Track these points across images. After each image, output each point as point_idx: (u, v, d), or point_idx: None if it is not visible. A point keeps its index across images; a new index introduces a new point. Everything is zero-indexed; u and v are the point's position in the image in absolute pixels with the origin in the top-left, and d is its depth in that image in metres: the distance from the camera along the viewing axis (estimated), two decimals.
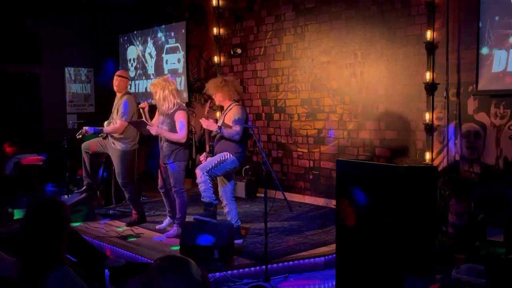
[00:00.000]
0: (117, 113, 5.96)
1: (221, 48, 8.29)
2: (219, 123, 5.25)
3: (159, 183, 5.77)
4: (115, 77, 6.09)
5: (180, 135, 5.33)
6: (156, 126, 5.42)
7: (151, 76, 9.63)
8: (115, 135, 6.01)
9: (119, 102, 6.01)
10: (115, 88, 6.10)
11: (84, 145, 6.30)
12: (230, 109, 5.24)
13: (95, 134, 6.23)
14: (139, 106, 5.71)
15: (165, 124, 5.42)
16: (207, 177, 5.04)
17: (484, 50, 5.19)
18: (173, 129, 5.37)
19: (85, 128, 6.11)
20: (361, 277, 3.82)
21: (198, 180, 5.07)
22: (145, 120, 5.55)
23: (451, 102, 5.59)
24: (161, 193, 5.81)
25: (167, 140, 5.42)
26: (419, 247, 3.60)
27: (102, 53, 10.57)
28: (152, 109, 5.76)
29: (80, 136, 6.18)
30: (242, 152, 5.27)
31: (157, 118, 5.60)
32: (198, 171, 5.08)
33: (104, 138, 6.14)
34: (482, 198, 4.56)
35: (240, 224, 5.46)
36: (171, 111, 5.38)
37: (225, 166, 5.14)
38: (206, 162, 5.17)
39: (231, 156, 5.15)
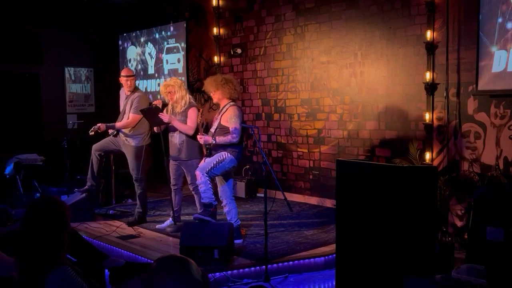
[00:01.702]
0: (130, 107, 6.02)
1: (221, 48, 8.29)
2: (216, 124, 5.28)
3: (172, 180, 5.80)
4: (125, 78, 6.10)
5: (189, 126, 5.54)
6: (167, 116, 5.52)
7: (152, 76, 9.64)
8: (127, 131, 6.06)
9: (132, 97, 6.07)
10: (127, 89, 6.14)
11: (95, 146, 6.29)
12: (227, 109, 5.26)
13: (108, 130, 6.19)
14: (153, 103, 5.75)
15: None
16: (207, 178, 5.07)
17: (484, 50, 5.18)
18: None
19: (99, 124, 6.08)
20: (361, 277, 3.82)
21: (198, 181, 5.10)
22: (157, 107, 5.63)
23: (451, 102, 5.59)
24: (173, 191, 5.80)
25: (182, 138, 5.58)
26: (419, 247, 3.60)
27: (102, 53, 10.57)
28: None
29: (93, 133, 6.10)
30: (240, 151, 5.29)
31: None
32: (197, 172, 5.11)
33: (115, 135, 6.16)
34: (482, 198, 4.56)
35: (240, 224, 5.46)
36: (184, 109, 5.60)
37: (224, 165, 5.16)
38: (205, 163, 5.19)
39: (229, 155, 5.16)
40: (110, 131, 6.17)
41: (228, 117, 5.21)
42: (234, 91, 5.33)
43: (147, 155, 6.17)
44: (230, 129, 5.17)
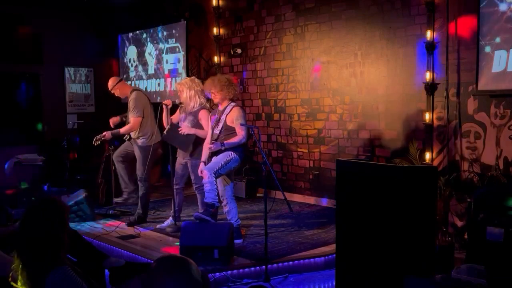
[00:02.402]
0: (129, 111, 6.10)
1: (221, 48, 8.29)
2: (220, 125, 5.27)
3: (175, 180, 5.81)
4: (112, 92, 6.28)
5: (206, 131, 5.54)
6: (185, 127, 5.58)
7: (152, 76, 9.64)
8: (133, 135, 6.12)
9: (128, 100, 6.13)
10: (121, 97, 6.37)
11: (115, 153, 6.36)
12: (231, 110, 5.26)
13: (114, 138, 6.31)
14: (163, 102, 5.77)
15: (188, 121, 5.66)
16: (214, 178, 5.09)
17: (484, 50, 5.18)
18: (195, 125, 5.62)
19: (104, 133, 6.14)
20: (361, 277, 3.82)
21: (205, 180, 5.12)
22: (165, 118, 5.72)
23: (451, 102, 5.59)
24: (174, 190, 5.81)
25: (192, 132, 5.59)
26: (419, 247, 3.60)
27: (102, 53, 10.57)
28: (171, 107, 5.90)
29: (98, 142, 6.15)
30: (243, 150, 5.32)
31: (178, 115, 5.82)
32: (205, 172, 5.13)
33: (129, 139, 6.25)
34: (482, 198, 4.56)
35: (240, 224, 5.46)
36: (195, 110, 5.64)
37: (230, 165, 5.19)
38: (212, 162, 5.20)
39: (235, 155, 5.19)
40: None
41: (234, 118, 5.22)
42: (236, 92, 5.40)
43: (152, 154, 6.13)
44: (238, 130, 5.19)
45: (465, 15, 5.43)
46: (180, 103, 5.78)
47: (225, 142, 5.18)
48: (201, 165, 5.36)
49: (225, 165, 5.14)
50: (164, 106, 5.73)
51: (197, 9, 8.68)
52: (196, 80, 5.80)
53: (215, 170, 5.08)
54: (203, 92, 5.67)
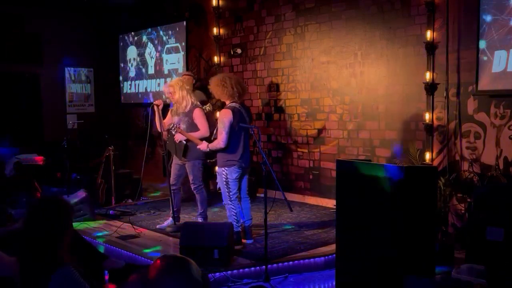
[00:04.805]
0: None
1: (221, 48, 8.29)
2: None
3: (172, 180, 5.79)
4: None
5: (204, 131, 5.50)
6: (178, 135, 5.56)
7: (152, 76, 9.64)
8: None
9: None
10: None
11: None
12: (221, 111, 5.27)
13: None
14: (154, 103, 5.73)
15: (183, 123, 5.59)
16: (231, 202, 5.18)
17: (484, 50, 5.18)
18: (191, 126, 5.55)
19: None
20: (361, 277, 3.82)
21: (227, 208, 5.27)
22: (158, 119, 5.66)
23: (451, 102, 5.59)
24: (171, 191, 5.78)
25: (185, 138, 5.55)
26: (419, 247, 3.60)
27: (102, 53, 10.57)
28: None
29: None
30: (235, 157, 5.12)
31: (171, 118, 5.75)
32: (225, 206, 5.25)
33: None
34: (482, 198, 4.56)
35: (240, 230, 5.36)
36: (188, 110, 5.55)
37: (232, 181, 5.14)
38: (222, 192, 5.25)
39: (226, 169, 5.13)
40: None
41: (218, 120, 5.20)
42: (233, 91, 5.14)
43: None
44: (218, 133, 5.12)
45: (465, 15, 5.43)
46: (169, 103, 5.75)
47: (209, 144, 5.19)
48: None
49: (229, 185, 5.14)
50: (155, 107, 5.65)
51: (197, 9, 8.68)
52: (185, 79, 5.78)
53: (228, 197, 5.14)
54: (192, 90, 5.67)
